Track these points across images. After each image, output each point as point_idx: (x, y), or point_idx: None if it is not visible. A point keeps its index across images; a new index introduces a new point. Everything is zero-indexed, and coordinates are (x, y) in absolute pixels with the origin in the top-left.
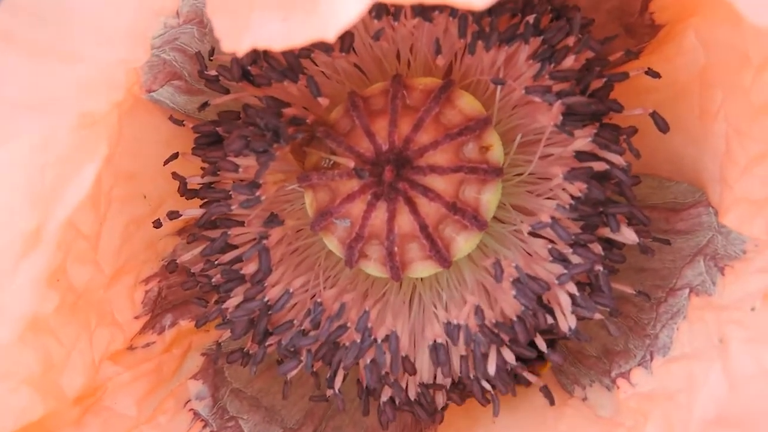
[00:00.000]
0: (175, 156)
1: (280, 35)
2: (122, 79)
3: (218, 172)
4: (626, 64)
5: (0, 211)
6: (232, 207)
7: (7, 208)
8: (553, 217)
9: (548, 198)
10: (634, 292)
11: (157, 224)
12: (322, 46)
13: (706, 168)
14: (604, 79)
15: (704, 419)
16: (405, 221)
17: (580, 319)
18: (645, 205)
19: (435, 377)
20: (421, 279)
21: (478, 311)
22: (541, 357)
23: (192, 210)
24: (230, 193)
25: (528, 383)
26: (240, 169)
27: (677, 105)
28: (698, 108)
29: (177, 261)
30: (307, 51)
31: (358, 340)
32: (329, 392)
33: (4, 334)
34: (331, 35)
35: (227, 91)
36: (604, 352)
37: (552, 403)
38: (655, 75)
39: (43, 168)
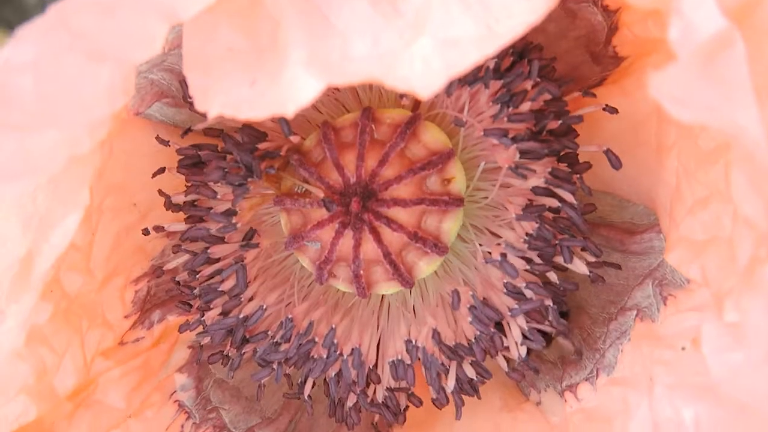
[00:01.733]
0: (162, 170)
1: (247, 103)
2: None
3: (199, 193)
4: (584, 100)
5: None
6: (211, 230)
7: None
8: (502, 254)
9: (507, 225)
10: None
11: (146, 232)
12: None
13: (659, 198)
14: (560, 121)
15: None
16: (369, 248)
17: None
18: (603, 223)
19: (399, 383)
20: (390, 294)
21: (435, 334)
22: None
23: (176, 225)
24: (211, 212)
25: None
26: (218, 195)
27: (635, 137)
28: (655, 141)
29: (163, 268)
30: None
31: (324, 356)
32: (301, 395)
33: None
34: (290, 112)
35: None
36: (560, 359)
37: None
38: (613, 111)
39: (34, 194)
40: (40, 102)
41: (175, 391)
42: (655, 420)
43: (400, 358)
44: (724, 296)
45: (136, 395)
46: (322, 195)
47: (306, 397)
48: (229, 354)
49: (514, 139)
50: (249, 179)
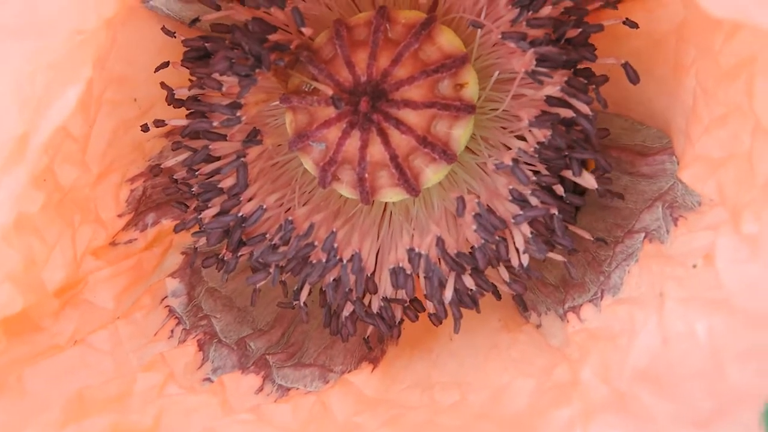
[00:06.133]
0: (166, 64)
1: None
2: None
3: (204, 87)
4: (605, 12)
5: None
6: (214, 123)
7: None
8: (514, 160)
9: (518, 137)
10: (592, 239)
11: (145, 128)
12: None
13: (675, 119)
14: (580, 30)
15: (635, 368)
16: (376, 151)
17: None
18: (614, 145)
19: (396, 293)
20: (393, 203)
21: (440, 242)
22: None
23: (177, 120)
24: (214, 107)
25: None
26: (224, 87)
27: (654, 54)
28: (673, 60)
29: (161, 166)
30: None
31: (324, 260)
32: (296, 302)
33: None
34: None
35: (218, 8)
36: (562, 282)
37: (525, 309)
38: (633, 25)
39: (32, 75)
40: None
41: (166, 296)
42: (665, 335)
43: (401, 265)
44: (743, 209)
45: (125, 297)
46: (330, 93)
47: (302, 304)
48: (224, 257)
49: (532, 44)
50: (257, 70)
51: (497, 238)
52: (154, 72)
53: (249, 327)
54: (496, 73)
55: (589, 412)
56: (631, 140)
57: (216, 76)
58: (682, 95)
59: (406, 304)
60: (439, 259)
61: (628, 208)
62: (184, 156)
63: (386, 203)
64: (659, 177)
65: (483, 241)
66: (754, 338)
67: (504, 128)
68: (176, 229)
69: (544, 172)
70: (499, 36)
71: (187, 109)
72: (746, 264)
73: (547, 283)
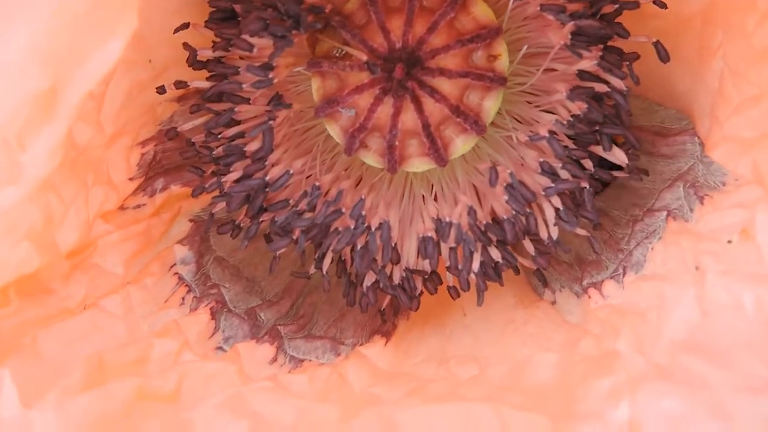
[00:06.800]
0: (186, 26)
1: None
2: None
3: (230, 48)
4: None
5: (8, 69)
6: (243, 85)
7: (15, 66)
8: (551, 131)
9: (545, 111)
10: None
11: (162, 90)
12: None
13: (698, 101)
14: (616, 6)
15: (673, 340)
16: (409, 118)
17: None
18: (633, 125)
19: (419, 263)
20: (415, 173)
21: (471, 212)
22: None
23: (199, 82)
24: (239, 69)
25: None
26: (254, 50)
27: (678, 36)
28: (698, 42)
29: (177, 129)
30: None
31: (352, 227)
32: (312, 271)
33: (18, 193)
34: None
35: None
36: (577, 260)
37: (545, 284)
38: (663, 5)
39: (56, 30)
40: None
41: (174, 264)
42: (704, 309)
43: (430, 235)
44: None
45: (134, 262)
46: (365, 58)
47: (324, 272)
48: (241, 224)
49: (572, 16)
50: (293, 31)
51: (528, 210)
52: (174, 33)
53: (258, 297)
54: (525, 47)
55: (634, 381)
56: (649, 121)
57: (246, 37)
58: (708, 77)
59: (426, 276)
60: (470, 228)
61: (646, 188)
62: (203, 119)
63: (407, 177)
64: (679, 157)
65: (514, 213)
66: None
67: (529, 103)
68: (194, 194)
69: (572, 146)
70: (538, 8)
71: (209, 72)
72: None
73: (561, 261)
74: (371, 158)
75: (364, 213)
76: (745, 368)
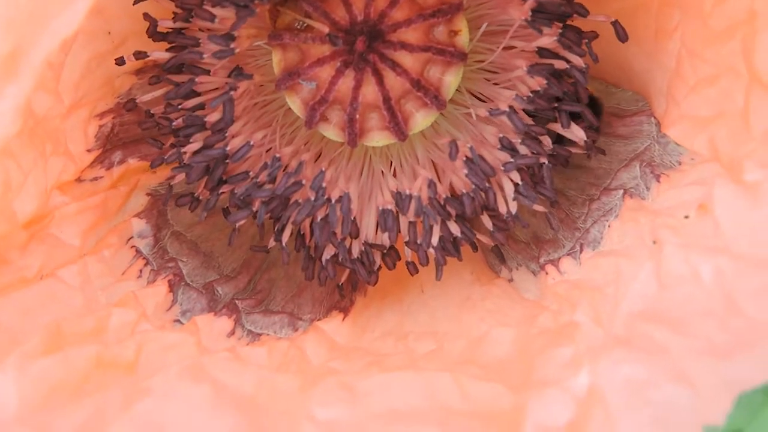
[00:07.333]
0: None
1: None
2: None
3: (191, 19)
4: None
5: None
6: (204, 56)
7: None
8: (510, 107)
9: (505, 88)
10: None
11: (121, 62)
12: None
13: (654, 81)
14: None
15: (632, 311)
16: (370, 91)
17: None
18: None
19: (378, 238)
20: (374, 148)
21: (431, 185)
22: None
23: (159, 53)
24: (200, 41)
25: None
26: (216, 20)
27: (635, 17)
28: (654, 23)
29: (136, 100)
30: None
31: (312, 198)
32: (271, 244)
33: None
34: None
35: None
36: (534, 238)
37: (502, 262)
38: None
39: None
40: None
41: (132, 237)
42: (662, 281)
43: (389, 207)
44: (742, 159)
45: (91, 234)
46: (326, 30)
47: (283, 245)
48: (200, 196)
49: None
50: (255, 1)
51: (487, 184)
52: (134, 4)
53: (215, 272)
54: (486, 24)
55: (594, 350)
56: (606, 102)
57: (208, 6)
58: (664, 58)
59: (385, 251)
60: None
61: (603, 168)
62: (163, 90)
63: (366, 151)
64: (635, 138)
65: (473, 187)
66: (763, 280)
67: (488, 80)
68: (153, 164)
69: (531, 123)
70: None
71: (170, 43)
72: (748, 212)
73: (518, 240)
74: (332, 131)
75: (324, 185)
76: (704, 334)
